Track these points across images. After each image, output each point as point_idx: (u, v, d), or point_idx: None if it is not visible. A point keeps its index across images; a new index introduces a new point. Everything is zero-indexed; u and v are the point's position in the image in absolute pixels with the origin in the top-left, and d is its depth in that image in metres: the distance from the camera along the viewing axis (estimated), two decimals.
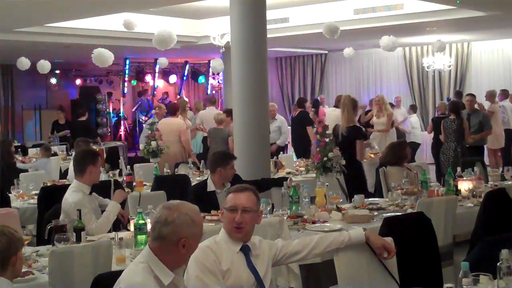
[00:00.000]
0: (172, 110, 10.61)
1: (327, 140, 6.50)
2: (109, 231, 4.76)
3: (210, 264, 3.13)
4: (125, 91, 18.00)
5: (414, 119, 13.68)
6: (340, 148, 6.64)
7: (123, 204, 5.93)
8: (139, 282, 2.61)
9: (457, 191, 5.82)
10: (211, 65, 13.11)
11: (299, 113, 12.07)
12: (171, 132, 9.59)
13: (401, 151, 6.64)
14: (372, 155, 8.56)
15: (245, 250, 3.27)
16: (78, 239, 4.15)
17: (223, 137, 9.63)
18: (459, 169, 6.47)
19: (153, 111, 11.42)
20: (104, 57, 9.71)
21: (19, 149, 11.43)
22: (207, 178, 5.66)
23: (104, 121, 17.95)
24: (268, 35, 7.77)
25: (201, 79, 19.28)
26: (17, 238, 3.07)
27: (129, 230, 4.62)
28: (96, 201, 4.98)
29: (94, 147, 8.38)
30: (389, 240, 3.55)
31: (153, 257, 2.69)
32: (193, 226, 2.72)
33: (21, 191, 6.82)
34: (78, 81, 18.54)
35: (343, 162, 6.69)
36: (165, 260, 2.69)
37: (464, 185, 5.86)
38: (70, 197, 4.75)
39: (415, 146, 12.71)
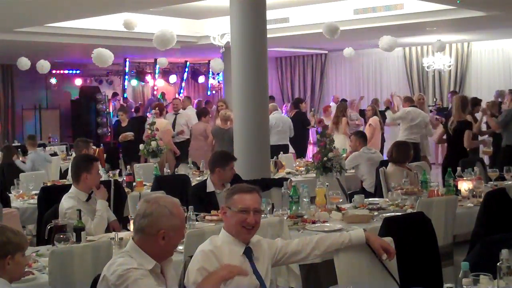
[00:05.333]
0: (160, 110, 10.71)
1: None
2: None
3: (212, 270, 3.06)
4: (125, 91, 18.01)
5: None
6: (451, 142, 7.85)
7: (123, 205, 5.96)
8: (120, 263, 2.72)
9: (457, 191, 5.81)
10: (211, 65, 13.11)
11: (295, 113, 12.07)
12: (160, 133, 9.63)
13: (406, 151, 6.68)
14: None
15: (248, 253, 3.23)
16: (78, 239, 4.15)
17: (228, 137, 9.32)
18: (459, 169, 6.48)
19: (153, 111, 11.45)
20: (104, 57, 9.71)
21: (19, 149, 11.43)
22: (206, 179, 5.66)
23: (104, 121, 17.94)
24: (268, 35, 7.77)
25: (201, 79, 19.30)
26: (9, 242, 3.03)
27: (129, 230, 4.62)
28: (95, 204, 4.93)
29: (94, 147, 8.35)
30: (388, 240, 3.55)
31: (136, 247, 2.79)
32: (172, 218, 2.79)
33: (21, 191, 6.82)
34: (78, 81, 18.54)
35: (343, 162, 6.71)
36: (147, 251, 2.79)
37: (464, 185, 5.86)
38: (65, 203, 4.74)
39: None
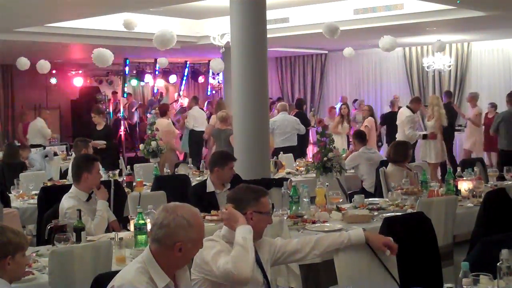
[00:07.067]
0: (162, 111, 10.70)
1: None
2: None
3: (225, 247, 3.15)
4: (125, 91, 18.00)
5: None
6: None
7: (123, 205, 5.96)
8: (130, 281, 2.61)
9: (457, 191, 5.82)
10: (211, 65, 13.11)
11: (296, 113, 12.05)
12: (161, 133, 9.64)
13: (404, 150, 6.68)
14: None
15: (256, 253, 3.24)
16: (78, 239, 4.15)
17: (225, 137, 9.21)
18: (459, 169, 6.48)
19: (153, 111, 11.45)
20: (104, 57, 9.70)
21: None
22: (206, 179, 5.67)
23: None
24: (268, 35, 7.77)
25: (201, 79, 19.30)
26: (9, 242, 3.02)
27: (129, 230, 4.62)
28: (95, 204, 4.93)
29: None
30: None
31: (151, 258, 2.68)
32: (190, 230, 2.68)
33: (21, 191, 6.82)
34: (78, 81, 18.53)
35: (343, 162, 6.71)
36: (162, 262, 2.68)
37: (464, 185, 5.86)
38: (65, 202, 4.75)
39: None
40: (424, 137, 10.05)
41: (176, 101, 18.75)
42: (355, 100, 16.54)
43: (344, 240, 3.42)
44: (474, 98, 12.24)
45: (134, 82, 18.71)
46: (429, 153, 9.93)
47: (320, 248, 3.42)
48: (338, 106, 15.08)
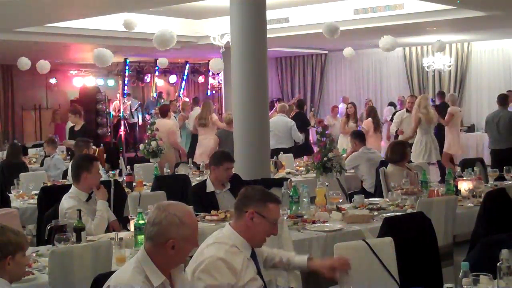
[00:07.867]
0: (163, 111, 10.70)
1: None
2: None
3: (226, 280, 3.05)
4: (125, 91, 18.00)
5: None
6: None
7: (123, 205, 5.96)
8: (126, 282, 2.62)
9: (457, 191, 5.82)
10: (210, 65, 13.10)
11: (295, 114, 12.04)
12: (163, 133, 9.64)
13: (401, 150, 6.69)
14: None
15: (254, 256, 3.24)
16: (78, 239, 4.15)
17: (231, 139, 9.11)
18: (459, 169, 6.48)
19: (153, 111, 11.45)
20: (104, 57, 9.71)
21: None
22: (206, 179, 5.68)
23: (104, 121, 17.92)
24: (268, 35, 7.77)
25: (201, 79, 19.30)
26: (9, 242, 3.02)
27: (129, 230, 4.63)
28: (95, 204, 4.93)
29: (94, 147, 8.34)
30: (388, 240, 3.56)
31: (146, 257, 2.69)
32: (182, 227, 2.68)
33: (21, 191, 6.82)
34: (78, 81, 18.53)
35: (343, 162, 6.72)
36: (157, 261, 2.69)
37: (464, 185, 5.86)
38: (65, 202, 4.75)
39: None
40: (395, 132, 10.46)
41: (176, 100, 18.72)
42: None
43: (289, 266, 3.46)
44: (450, 100, 12.02)
45: (134, 82, 18.70)
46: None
47: (268, 264, 3.44)
48: (340, 106, 15.09)
